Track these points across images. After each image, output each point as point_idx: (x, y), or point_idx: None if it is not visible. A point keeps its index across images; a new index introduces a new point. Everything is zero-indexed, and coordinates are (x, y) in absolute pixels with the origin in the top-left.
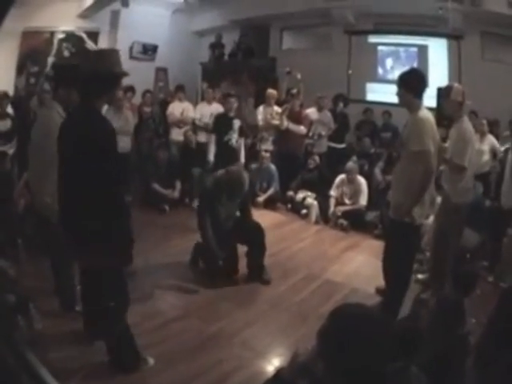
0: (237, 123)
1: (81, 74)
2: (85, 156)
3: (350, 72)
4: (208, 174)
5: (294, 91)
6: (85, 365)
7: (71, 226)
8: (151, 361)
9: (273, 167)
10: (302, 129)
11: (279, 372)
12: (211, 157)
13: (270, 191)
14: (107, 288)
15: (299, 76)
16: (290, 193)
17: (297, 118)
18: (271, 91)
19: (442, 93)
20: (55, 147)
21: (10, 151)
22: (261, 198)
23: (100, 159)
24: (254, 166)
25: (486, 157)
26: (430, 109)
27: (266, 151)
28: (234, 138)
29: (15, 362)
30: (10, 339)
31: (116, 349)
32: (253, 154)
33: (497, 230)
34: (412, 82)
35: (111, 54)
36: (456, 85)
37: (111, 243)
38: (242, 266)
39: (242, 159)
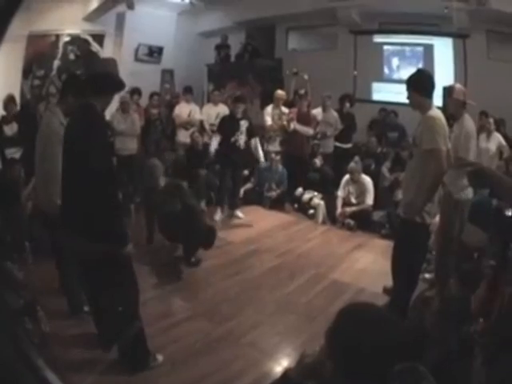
0: (244, 124)
1: (82, 76)
2: (78, 152)
3: (356, 73)
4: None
5: (302, 92)
6: (94, 365)
7: (69, 218)
8: (160, 358)
9: (282, 169)
10: (309, 130)
11: (287, 372)
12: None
13: (278, 192)
14: (114, 283)
15: (306, 77)
16: (297, 193)
17: (304, 118)
18: (280, 92)
19: (445, 93)
20: (53, 150)
21: (17, 155)
22: (270, 195)
23: (91, 155)
24: (263, 165)
25: (493, 155)
26: (437, 108)
27: (276, 153)
28: (242, 139)
29: (22, 366)
30: (16, 343)
31: (127, 347)
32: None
33: (504, 230)
34: (420, 83)
35: (109, 60)
36: (458, 85)
37: (106, 232)
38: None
39: (261, 158)
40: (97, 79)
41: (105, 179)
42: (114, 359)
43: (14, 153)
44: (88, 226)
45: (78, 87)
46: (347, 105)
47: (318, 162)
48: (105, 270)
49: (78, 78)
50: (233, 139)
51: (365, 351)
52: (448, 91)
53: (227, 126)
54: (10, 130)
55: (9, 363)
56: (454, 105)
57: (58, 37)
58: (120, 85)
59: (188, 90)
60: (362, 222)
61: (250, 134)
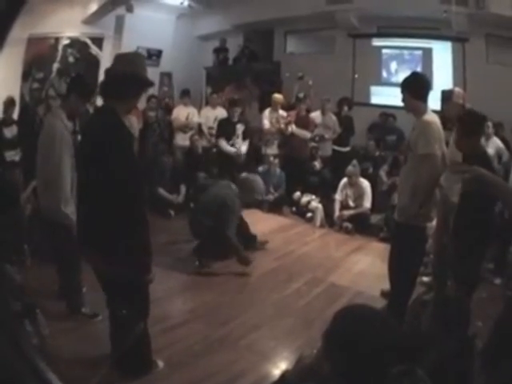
0: (240, 128)
1: (106, 76)
2: (100, 163)
3: (357, 76)
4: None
5: (301, 95)
6: (93, 368)
7: (90, 239)
8: (161, 364)
9: (280, 172)
10: (307, 133)
11: (285, 374)
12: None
13: (276, 195)
14: (128, 297)
15: (311, 82)
16: (295, 196)
17: (303, 122)
18: (277, 96)
19: (444, 96)
20: (58, 154)
21: (16, 158)
22: (268, 198)
23: (115, 166)
24: (261, 168)
25: (491, 160)
26: (435, 111)
27: (275, 157)
28: (238, 143)
29: (23, 368)
30: (17, 344)
31: (130, 353)
32: (257, 157)
33: (502, 233)
34: (415, 87)
35: (138, 58)
36: (457, 88)
37: (130, 255)
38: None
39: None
40: (122, 81)
41: (133, 194)
42: (113, 364)
43: (13, 155)
44: (111, 248)
45: (82, 88)
46: (345, 108)
47: (317, 164)
48: (120, 287)
49: (83, 79)
50: (230, 142)
51: (362, 353)
52: (447, 95)
53: (224, 130)
54: (10, 132)
55: (11, 366)
56: (453, 109)
57: (57, 40)
58: (148, 84)
59: (186, 93)
60: (360, 225)
61: (245, 137)
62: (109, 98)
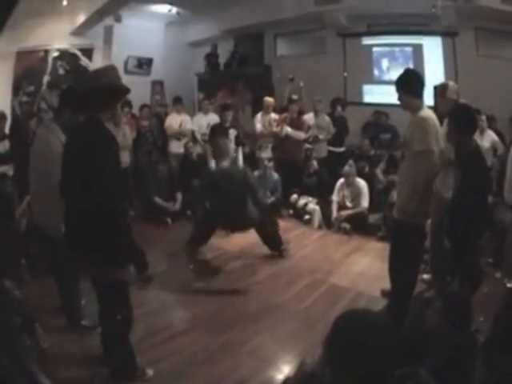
0: (233, 133)
1: (84, 89)
2: (86, 167)
3: (346, 74)
4: None
5: (294, 97)
6: (92, 381)
7: (78, 244)
8: (150, 372)
9: (276, 176)
10: (301, 134)
11: (287, 381)
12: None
13: (273, 199)
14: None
15: (302, 84)
16: (292, 199)
17: (296, 124)
18: (268, 99)
19: (437, 91)
20: (55, 169)
21: (10, 172)
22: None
23: (102, 171)
24: (256, 173)
25: (487, 152)
26: (430, 107)
27: (269, 160)
28: (231, 148)
29: (22, 378)
30: (16, 356)
31: (113, 355)
32: (252, 161)
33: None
34: (409, 84)
35: (111, 71)
36: (451, 83)
37: (123, 256)
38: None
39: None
40: (101, 92)
41: (115, 197)
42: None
43: (6, 170)
44: (93, 248)
45: (76, 101)
46: (339, 108)
47: (315, 163)
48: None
49: (75, 91)
50: None
51: (364, 357)
52: (440, 90)
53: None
54: (2, 147)
55: (11, 378)
56: (446, 104)
57: (46, 52)
58: (124, 92)
59: (178, 101)
60: (358, 225)
61: (237, 142)
62: (92, 109)
